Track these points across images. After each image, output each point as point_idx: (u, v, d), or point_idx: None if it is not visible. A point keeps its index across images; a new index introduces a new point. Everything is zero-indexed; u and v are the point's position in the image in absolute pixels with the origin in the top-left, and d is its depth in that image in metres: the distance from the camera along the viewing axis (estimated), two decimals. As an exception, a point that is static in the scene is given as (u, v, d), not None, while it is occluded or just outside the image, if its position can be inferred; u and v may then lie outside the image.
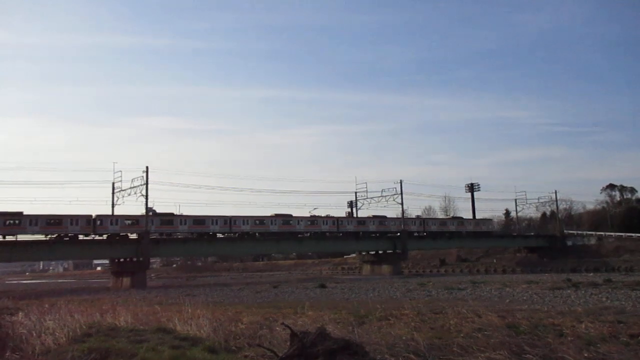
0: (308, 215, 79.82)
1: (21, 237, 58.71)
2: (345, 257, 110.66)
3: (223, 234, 71.07)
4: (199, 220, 68.30)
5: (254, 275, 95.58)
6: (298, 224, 74.97)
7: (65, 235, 60.57)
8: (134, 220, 64.51)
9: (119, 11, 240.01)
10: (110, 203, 68.91)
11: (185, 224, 67.57)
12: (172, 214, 67.72)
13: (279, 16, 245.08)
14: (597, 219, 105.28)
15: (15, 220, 56.52)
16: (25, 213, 57.43)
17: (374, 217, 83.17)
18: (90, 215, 61.50)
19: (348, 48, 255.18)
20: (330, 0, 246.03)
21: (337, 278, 70.89)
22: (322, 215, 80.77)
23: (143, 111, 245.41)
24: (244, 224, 70.68)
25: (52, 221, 58.95)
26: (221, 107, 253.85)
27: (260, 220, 72.39)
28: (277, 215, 73.96)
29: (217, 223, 68.75)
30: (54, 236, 60.36)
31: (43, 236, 60.04)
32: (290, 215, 75.35)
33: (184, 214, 69.08)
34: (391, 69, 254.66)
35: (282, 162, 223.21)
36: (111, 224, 62.98)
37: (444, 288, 36.69)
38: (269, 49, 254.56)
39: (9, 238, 57.56)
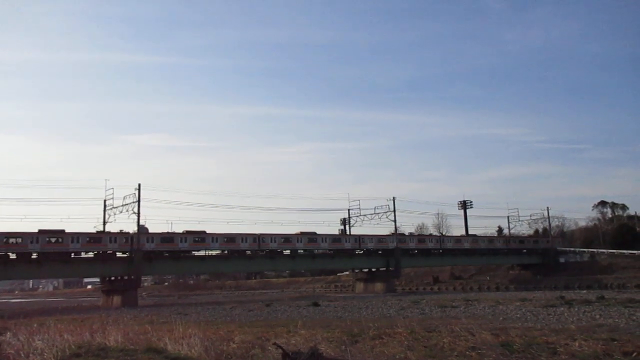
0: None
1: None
2: (338, 274, 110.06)
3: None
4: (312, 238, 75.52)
5: (246, 294, 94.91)
6: (298, 242, 74.70)
7: (236, 251, 70.18)
8: (287, 238, 72.68)
9: (114, 28, 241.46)
10: (102, 220, 68.42)
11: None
12: (315, 233, 75.36)
13: (276, 34, 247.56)
14: (589, 235, 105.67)
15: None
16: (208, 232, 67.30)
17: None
18: (256, 234, 70.59)
19: (343, 65, 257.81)
20: (327, 19, 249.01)
21: (330, 296, 70.46)
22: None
23: (137, 128, 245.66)
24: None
25: (226, 239, 68.75)
26: (216, 124, 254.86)
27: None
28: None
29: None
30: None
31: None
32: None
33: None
34: (385, 87, 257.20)
35: (277, 179, 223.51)
36: (271, 241, 71.74)
37: (438, 306, 36.52)
38: (265, 66, 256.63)
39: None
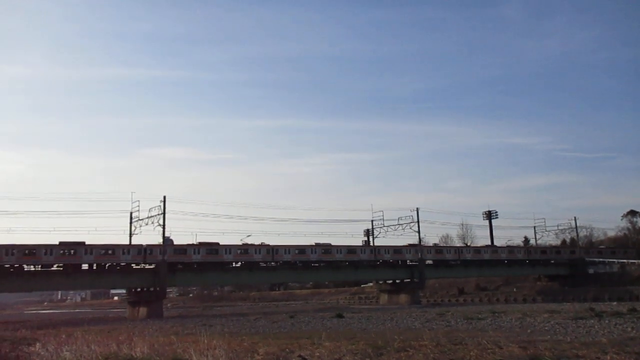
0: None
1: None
2: (362, 286, 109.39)
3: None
4: (352, 249, 77.26)
5: (270, 305, 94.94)
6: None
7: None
8: (327, 249, 74.28)
9: (136, 45, 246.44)
10: (128, 232, 69.30)
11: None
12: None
13: (291, 47, 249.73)
14: (618, 245, 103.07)
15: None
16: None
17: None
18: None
19: (358, 77, 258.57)
20: (340, 32, 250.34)
21: (354, 308, 70.00)
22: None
23: (160, 142, 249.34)
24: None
25: (324, 250, 73.29)
26: (235, 137, 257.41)
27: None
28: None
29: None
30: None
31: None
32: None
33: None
34: (401, 98, 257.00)
35: (296, 191, 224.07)
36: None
37: (464, 318, 35.96)
38: (282, 79, 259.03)
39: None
